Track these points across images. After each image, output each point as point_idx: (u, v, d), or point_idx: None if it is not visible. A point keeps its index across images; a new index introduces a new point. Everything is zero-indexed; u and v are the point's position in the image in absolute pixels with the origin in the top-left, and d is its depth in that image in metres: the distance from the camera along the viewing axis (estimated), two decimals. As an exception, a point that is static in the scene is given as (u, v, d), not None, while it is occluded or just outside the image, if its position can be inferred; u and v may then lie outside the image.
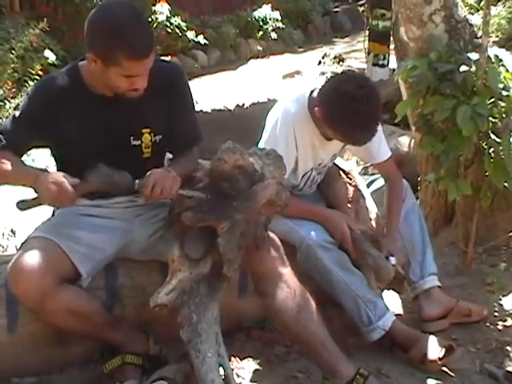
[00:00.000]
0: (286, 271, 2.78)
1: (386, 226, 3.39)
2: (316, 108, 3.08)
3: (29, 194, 2.71)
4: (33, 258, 2.62)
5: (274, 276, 2.74)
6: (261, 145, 3.19)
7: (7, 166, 2.75)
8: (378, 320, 3.11)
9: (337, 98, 3.00)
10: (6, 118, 4.08)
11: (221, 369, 2.54)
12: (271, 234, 2.83)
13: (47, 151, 2.95)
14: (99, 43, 2.61)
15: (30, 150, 2.92)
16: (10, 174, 2.77)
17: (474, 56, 3.66)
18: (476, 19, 4.25)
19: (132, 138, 2.84)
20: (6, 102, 4.20)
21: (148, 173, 2.68)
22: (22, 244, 2.78)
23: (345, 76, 3.14)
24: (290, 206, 3.08)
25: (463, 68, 3.57)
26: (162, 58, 3.04)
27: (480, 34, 3.81)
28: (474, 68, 3.59)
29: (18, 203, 2.71)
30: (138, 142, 2.85)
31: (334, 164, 3.50)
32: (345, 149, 3.48)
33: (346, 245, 3.21)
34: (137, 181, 2.64)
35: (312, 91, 3.19)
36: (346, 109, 2.96)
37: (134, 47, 2.57)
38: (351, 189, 3.42)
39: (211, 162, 2.60)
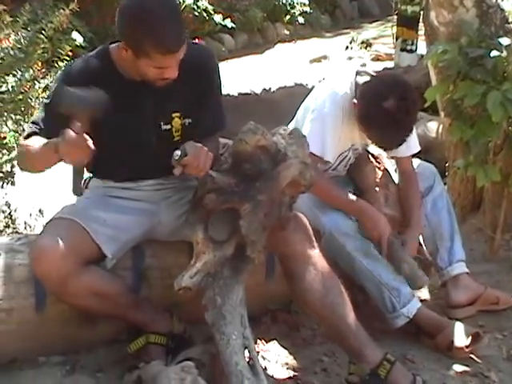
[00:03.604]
0: (314, 253, 2.77)
1: (405, 221, 3.36)
2: (355, 101, 3.09)
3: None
4: (55, 240, 2.62)
5: (301, 258, 2.74)
6: (306, 123, 3.22)
7: (32, 146, 2.70)
8: (403, 307, 3.10)
9: (377, 103, 3.02)
10: (36, 98, 4.12)
11: (246, 351, 2.53)
12: (300, 215, 2.83)
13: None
14: (130, 35, 2.59)
15: None
16: (36, 155, 2.69)
17: (505, 41, 3.63)
18: (507, 5, 4.21)
19: (162, 122, 2.83)
20: (35, 82, 4.22)
21: (185, 144, 2.63)
22: (45, 225, 2.79)
23: (390, 81, 3.13)
24: (331, 196, 3.18)
25: (494, 53, 3.54)
26: (193, 41, 3.00)
27: (511, 19, 3.78)
28: (504, 53, 3.56)
29: (72, 191, 2.67)
30: (169, 127, 2.83)
31: (365, 148, 3.49)
32: None
33: (381, 247, 3.19)
34: (176, 152, 2.59)
35: (357, 74, 3.23)
36: (383, 116, 2.99)
37: (165, 41, 2.55)
38: (380, 173, 3.41)
39: (232, 144, 2.60)
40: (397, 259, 3.17)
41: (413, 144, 3.40)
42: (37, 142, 2.69)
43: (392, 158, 3.48)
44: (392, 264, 3.17)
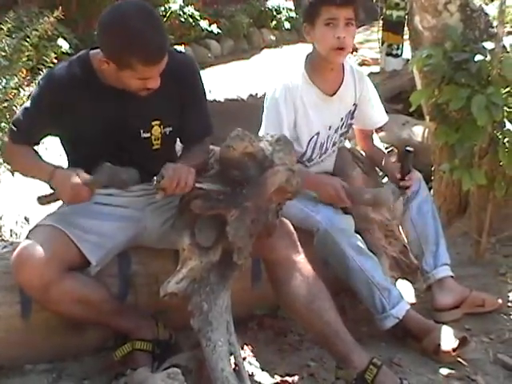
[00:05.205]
0: (300, 258, 2.78)
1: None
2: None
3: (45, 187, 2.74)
4: (37, 247, 2.63)
5: (287, 263, 2.74)
6: (264, 115, 3.27)
7: (24, 160, 2.83)
8: (392, 308, 3.10)
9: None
10: (21, 105, 4.11)
11: (232, 357, 2.54)
12: (284, 220, 2.83)
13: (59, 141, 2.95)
14: (112, 48, 2.59)
15: (43, 138, 2.93)
16: (27, 169, 2.85)
17: (489, 45, 3.65)
18: (491, 9, 4.23)
19: (142, 130, 2.83)
20: (20, 90, 4.21)
21: (162, 169, 2.63)
22: (29, 232, 2.79)
23: None
24: None
25: (478, 57, 3.55)
26: (175, 47, 3.01)
27: (495, 23, 3.80)
28: (489, 57, 3.57)
29: (38, 198, 2.73)
30: (148, 135, 2.84)
31: (350, 152, 3.53)
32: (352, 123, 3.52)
33: (342, 200, 3.20)
34: (155, 178, 2.60)
35: (308, 55, 3.36)
36: None
37: (148, 53, 2.55)
38: (367, 177, 3.42)
39: (220, 150, 2.60)
40: (358, 196, 3.19)
41: (379, 115, 3.55)
42: (28, 156, 2.82)
43: (367, 138, 3.62)
44: (356, 208, 3.24)
